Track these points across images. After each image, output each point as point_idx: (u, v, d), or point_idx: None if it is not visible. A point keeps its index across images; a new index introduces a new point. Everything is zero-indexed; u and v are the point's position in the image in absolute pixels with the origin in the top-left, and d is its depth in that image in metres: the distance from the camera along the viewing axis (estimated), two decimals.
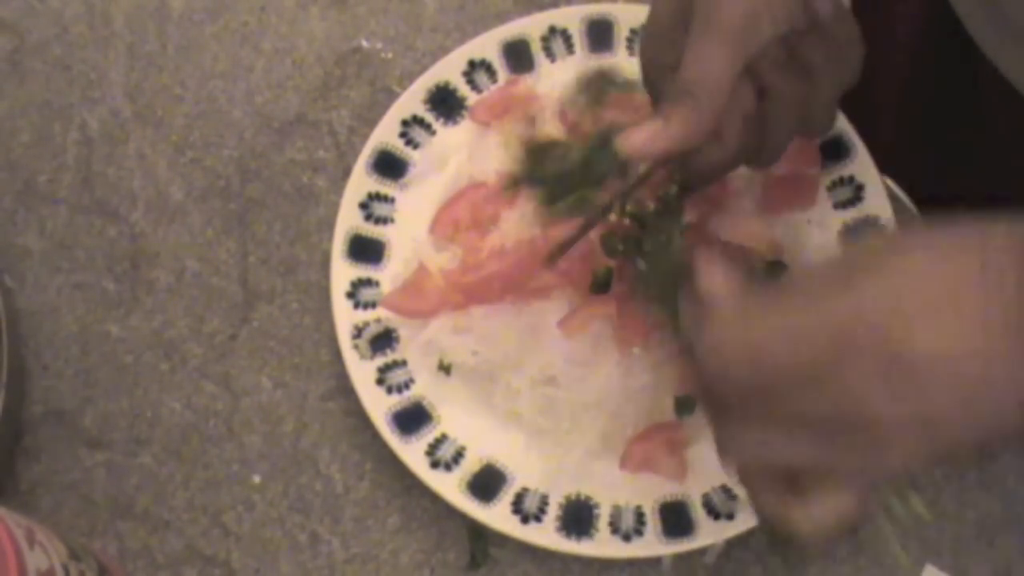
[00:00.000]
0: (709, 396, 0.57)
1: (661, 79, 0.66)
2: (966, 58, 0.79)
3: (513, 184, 0.69)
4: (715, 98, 0.62)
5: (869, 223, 0.77)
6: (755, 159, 0.69)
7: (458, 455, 0.74)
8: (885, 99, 0.89)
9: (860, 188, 0.78)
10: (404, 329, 0.76)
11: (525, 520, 0.72)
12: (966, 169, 0.86)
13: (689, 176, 0.68)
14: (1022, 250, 0.49)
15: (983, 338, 0.50)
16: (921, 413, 0.51)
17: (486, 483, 0.73)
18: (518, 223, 0.76)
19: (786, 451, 0.54)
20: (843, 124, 0.78)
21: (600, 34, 0.82)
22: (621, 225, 0.70)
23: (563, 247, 0.71)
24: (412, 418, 0.74)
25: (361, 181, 0.79)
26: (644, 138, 0.63)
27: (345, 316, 0.76)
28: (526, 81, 0.82)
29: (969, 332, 0.50)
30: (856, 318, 0.51)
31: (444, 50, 0.84)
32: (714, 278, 0.57)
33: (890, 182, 0.79)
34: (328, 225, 0.80)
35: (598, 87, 0.68)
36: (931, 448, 0.52)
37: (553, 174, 0.68)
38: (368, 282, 0.77)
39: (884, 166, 0.79)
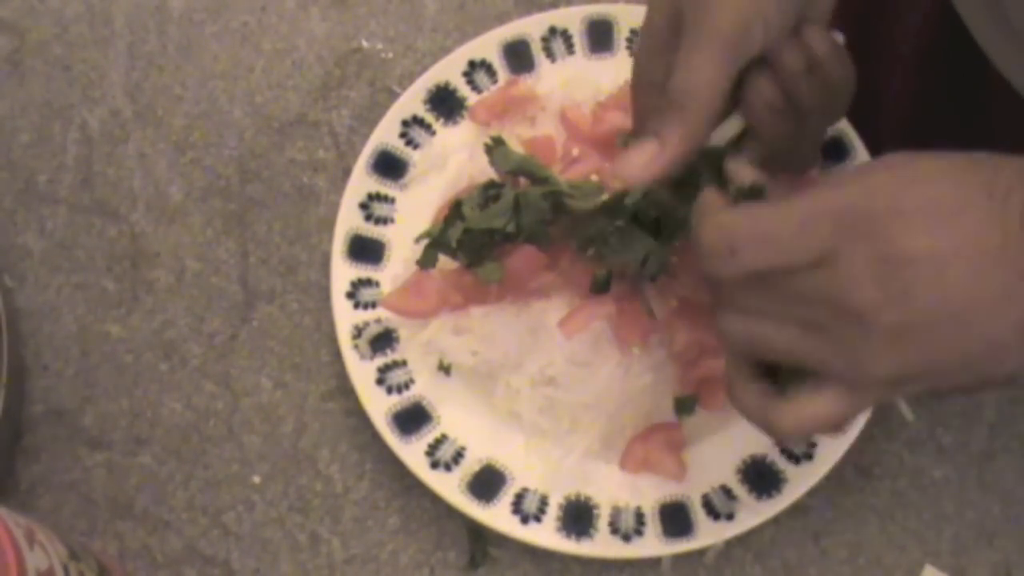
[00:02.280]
0: (711, 280, 0.58)
1: (649, 96, 0.65)
2: (973, 64, 0.79)
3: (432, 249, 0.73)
4: (708, 108, 0.61)
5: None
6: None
7: (458, 455, 0.74)
8: (891, 104, 0.89)
9: None
10: (404, 329, 0.76)
11: (525, 520, 0.72)
12: None
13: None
14: None
15: (977, 251, 0.51)
16: (908, 317, 0.52)
17: (486, 483, 0.73)
18: None
19: (778, 337, 0.55)
20: (842, 123, 0.78)
21: (600, 35, 0.82)
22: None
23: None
24: (412, 418, 0.74)
25: (361, 181, 0.79)
26: (643, 162, 0.62)
27: (345, 316, 0.76)
28: (526, 81, 0.82)
29: (964, 242, 0.51)
30: (857, 207, 0.52)
31: (444, 50, 0.84)
32: (739, 168, 0.60)
33: None
34: (328, 225, 0.80)
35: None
36: (921, 366, 0.53)
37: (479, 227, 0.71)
38: (368, 282, 0.78)
39: None
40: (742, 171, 0.60)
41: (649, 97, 0.66)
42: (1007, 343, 0.52)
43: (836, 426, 0.57)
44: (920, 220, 0.51)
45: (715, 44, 0.61)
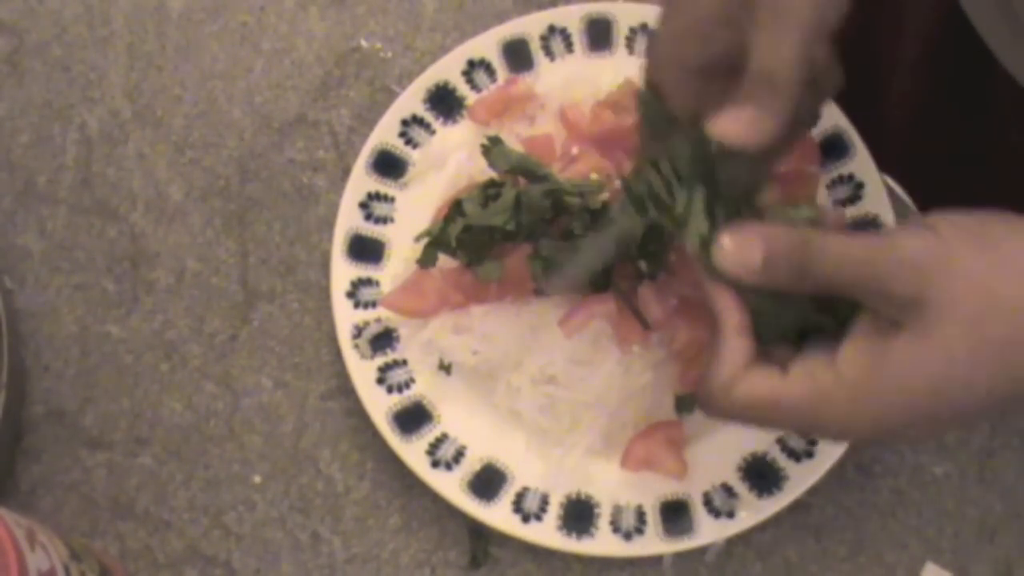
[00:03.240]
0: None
1: (675, 80, 0.64)
2: (977, 62, 0.79)
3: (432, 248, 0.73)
4: (792, 84, 0.59)
5: (868, 221, 0.77)
6: None
7: (458, 455, 0.74)
8: (896, 101, 0.89)
9: (860, 186, 0.78)
10: (404, 329, 0.76)
11: (526, 519, 0.72)
12: (976, 173, 0.86)
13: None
14: None
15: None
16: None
17: (487, 482, 0.73)
18: None
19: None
20: (843, 122, 0.78)
21: (599, 33, 0.82)
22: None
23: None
24: (412, 418, 0.74)
25: (361, 181, 0.79)
26: (740, 126, 0.59)
27: (345, 316, 0.76)
28: (525, 80, 0.82)
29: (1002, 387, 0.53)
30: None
31: (444, 50, 0.84)
32: (735, 251, 0.57)
33: (890, 180, 0.79)
34: (328, 225, 0.80)
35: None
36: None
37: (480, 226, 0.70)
38: (368, 282, 0.78)
39: (890, 167, 0.78)
40: (736, 247, 0.59)
41: (681, 80, 0.64)
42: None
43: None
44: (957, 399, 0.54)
45: (797, 23, 0.59)
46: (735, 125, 0.59)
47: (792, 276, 0.55)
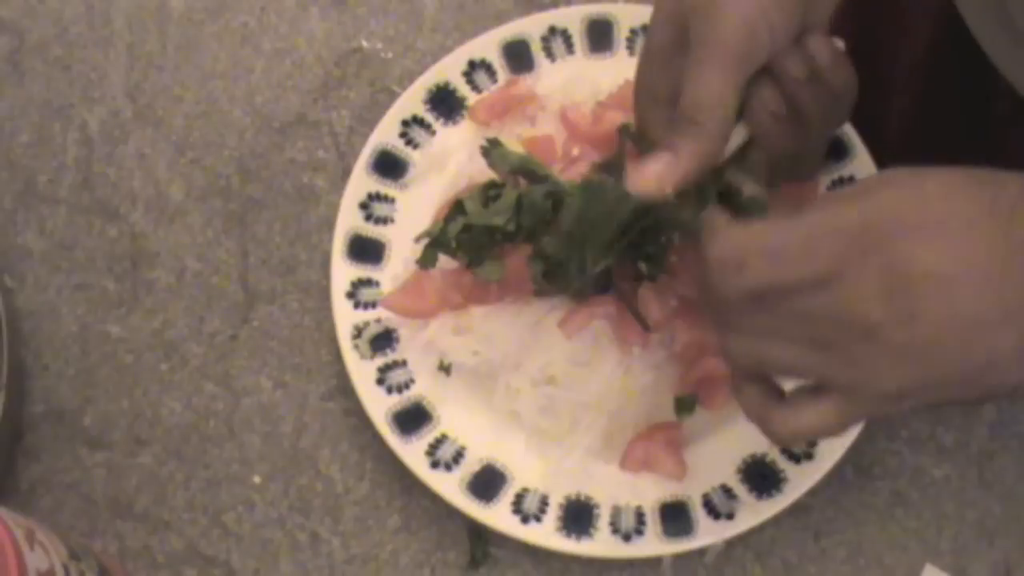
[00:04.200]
0: (714, 299, 0.58)
1: (652, 110, 0.66)
2: (976, 68, 0.79)
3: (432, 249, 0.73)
4: (720, 122, 0.61)
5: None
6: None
7: (458, 455, 0.74)
8: (895, 109, 0.89)
9: None
10: (404, 329, 0.76)
11: (525, 520, 0.72)
12: None
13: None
14: None
15: (983, 270, 0.51)
16: (915, 335, 0.52)
17: (486, 483, 0.73)
18: None
19: (784, 355, 0.56)
20: (844, 126, 0.78)
21: (600, 34, 0.82)
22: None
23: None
24: (412, 418, 0.74)
25: (361, 181, 0.79)
26: (656, 172, 0.62)
27: (345, 316, 0.76)
28: (526, 81, 0.82)
29: (970, 260, 0.51)
30: (864, 225, 0.53)
31: (444, 50, 0.84)
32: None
33: None
34: (328, 225, 0.80)
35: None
36: (925, 382, 0.54)
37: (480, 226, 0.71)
38: (368, 282, 0.78)
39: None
40: (743, 185, 0.60)
41: (653, 110, 0.66)
42: (1009, 359, 0.53)
43: (833, 433, 0.58)
44: (927, 239, 0.52)
45: (723, 57, 0.60)
46: (648, 175, 0.62)
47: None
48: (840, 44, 0.64)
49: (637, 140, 0.69)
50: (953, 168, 0.54)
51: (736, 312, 0.57)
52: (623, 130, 0.71)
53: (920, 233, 0.52)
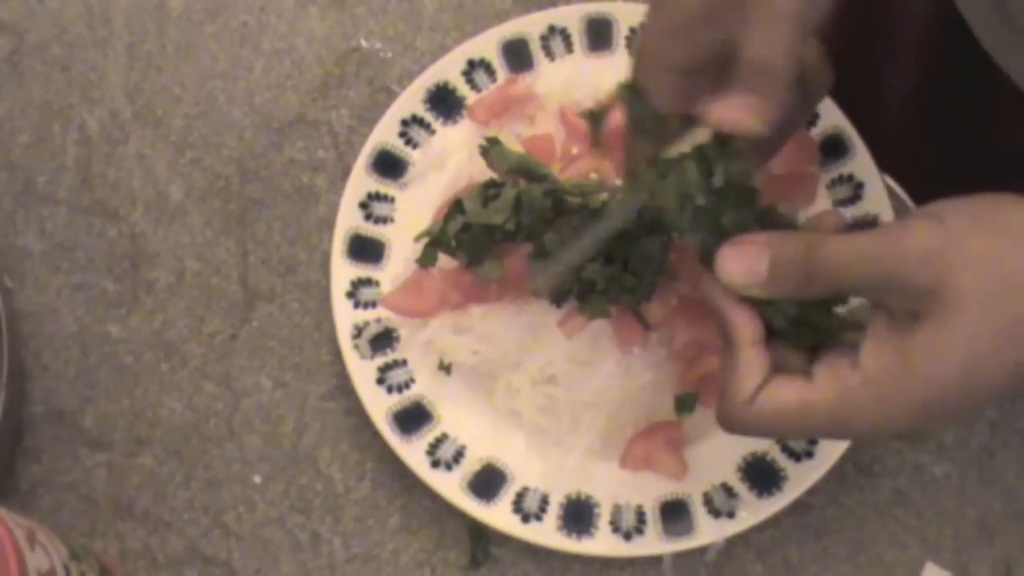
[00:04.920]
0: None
1: (663, 81, 0.63)
2: (974, 62, 0.79)
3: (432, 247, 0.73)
4: (786, 79, 0.59)
5: (868, 221, 0.77)
6: None
7: (458, 455, 0.74)
8: (895, 102, 0.89)
9: (860, 186, 0.78)
10: (404, 329, 0.76)
11: (526, 519, 0.72)
12: (976, 173, 0.86)
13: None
14: None
15: None
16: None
17: (486, 482, 0.73)
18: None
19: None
20: (842, 122, 0.78)
21: (599, 33, 0.82)
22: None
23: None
24: (412, 418, 0.74)
25: (361, 181, 0.79)
26: (742, 113, 0.59)
27: (345, 316, 0.76)
28: (525, 80, 0.82)
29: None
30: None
31: (443, 50, 0.84)
32: (736, 272, 0.57)
33: (890, 180, 0.79)
34: (328, 225, 0.80)
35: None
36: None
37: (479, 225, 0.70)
38: (368, 282, 0.78)
39: (890, 167, 0.78)
40: (733, 268, 0.59)
41: (665, 78, 0.63)
42: None
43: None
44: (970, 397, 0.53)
45: (787, 19, 0.59)
46: (736, 112, 0.59)
47: (800, 283, 0.55)
48: (817, 45, 0.64)
49: (634, 118, 0.67)
50: (998, 227, 0.54)
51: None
52: (628, 89, 0.69)
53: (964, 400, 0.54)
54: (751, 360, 0.56)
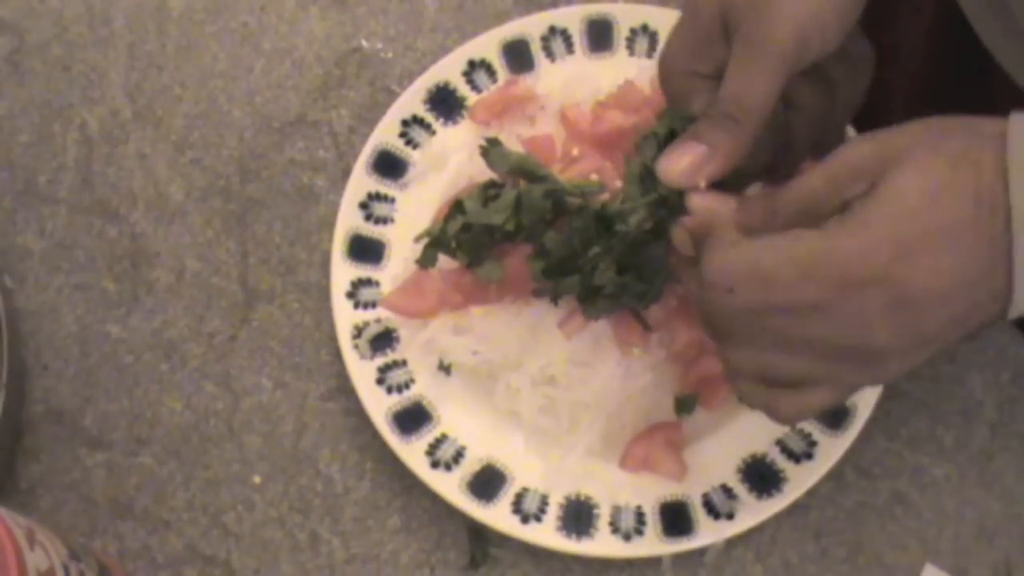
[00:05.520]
0: (712, 317, 0.59)
1: (688, 85, 0.64)
2: (977, 64, 0.79)
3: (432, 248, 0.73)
4: (760, 121, 0.61)
5: None
6: (775, 172, 0.69)
7: (458, 455, 0.74)
8: (895, 101, 0.89)
9: None
10: (404, 329, 0.76)
11: (525, 520, 0.72)
12: None
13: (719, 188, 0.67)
14: (1012, 170, 0.52)
15: (976, 268, 0.53)
16: (918, 337, 0.55)
17: (486, 483, 0.73)
18: None
19: (787, 368, 0.57)
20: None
21: (600, 34, 0.82)
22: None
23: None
24: (412, 418, 0.74)
25: (361, 181, 0.79)
26: (688, 167, 0.61)
27: (345, 316, 0.76)
28: (526, 81, 0.82)
29: (964, 265, 0.53)
30: (861, 257, 0.53)
31: (444, 50, 0.84)
32: (706, 201, 0.60)
33: None
34: (328, 225, 0.80)
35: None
36: (923, 359, 0.56)
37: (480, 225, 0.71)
38: (368, 282, 0.78)
39: None
40: (703, 197, 0.60)
41: (683, 85, 0.65)
42: (996, 316, 0.56)
43: (838, 406, 0.62)
44: (923, 259, 0.53)
45: (772, 59, 0.60)
46: (680, 166, 0.61)
47: (765, 215, 0.58)
48: None
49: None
50: (926, 148, 0.55)
51: (733, 328, 0.58)
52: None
53: (915, 256, 0.53)
54: (722, 227, 0.59)
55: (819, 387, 0.58)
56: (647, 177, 0.65)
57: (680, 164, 0.61)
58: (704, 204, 0.60)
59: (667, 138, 0.65)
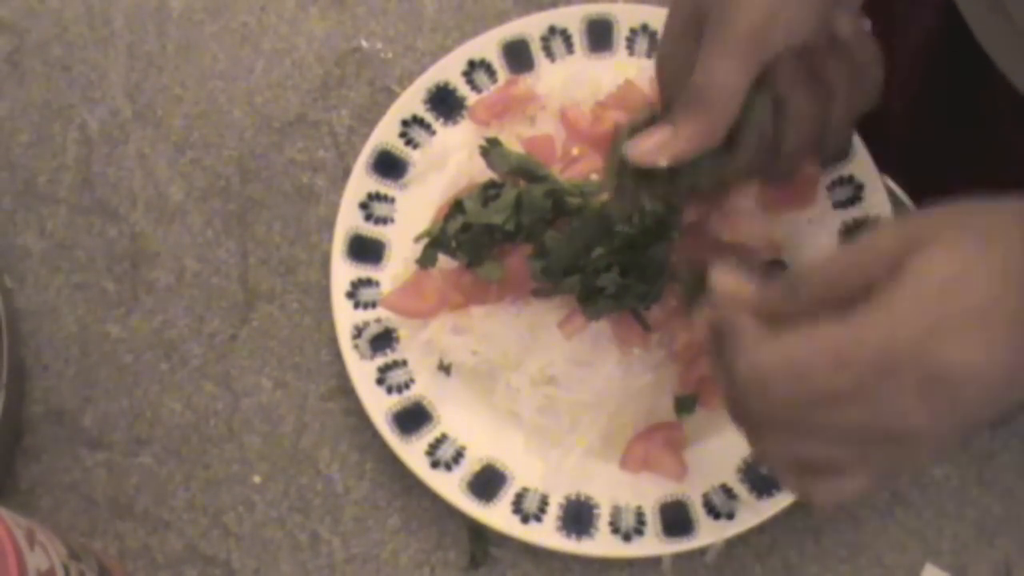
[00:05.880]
0: (744, 412, 0.58)
1: (675, 82, 0.65)
2: (976, 64, 0.79)
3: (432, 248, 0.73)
4: (726, 106, 0.62)
5: (869, 223, 0.77)
6: (768, 173, 0.69)
7: (458, 455, 0.74)
8: (896, 103, 0.89)
9: (860, 188, 0.78)
10: (404, 329, 0.76)
11: (525, 520, 0.72)
12: (976, 175, 0.86)
13: (697, 184, 0.68)
14: None
15: (1012, 345, 0.52)
16: (954, 417, 0.53)
17: (486, 483, 0.73)
18: None
19: (822, 455, 0.56)
20: None
21: (600, 34, 0.82)
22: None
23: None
24: (412, 418, 0.74)
25: (361, 181, 0.79)
26: (653, 145, 0.63)
27: (345, 316, 0.76)
28: (526, 81, 0.82)
29: (998, 341, 0.52)
30: (891, 342, 0.52)
31: (444, 50, 0.84)
32: (727, 282, 0.58)
33: (890, 182, 0.79)
34: (328, 225, 0.80)
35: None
36: (958, 440, 0.56)
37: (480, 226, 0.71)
38: (368, 282, 0.78)
39: (890, 168, 0.78)
40: (725, 279, 0.59)
41: (672, 83, 0.66)
42: None
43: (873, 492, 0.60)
44: (955, 339, 0.52)
45: (736, 42, 0.61)
46: (645, 145, 0.63)
47: (786, 298, 0.56)
48: (865, 23, 0.64)
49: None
50: (954, 227, 0.54)
51: (765, 421, 0.57)
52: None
53: (947, 336, 0.52)
54: (745, 321, 0.56)
55: (857, 474, 0.56)
56: (623, 169, 0.66)
57: (646, 143, 0.63)
58: (725, 283, 0.58)
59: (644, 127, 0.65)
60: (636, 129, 0.66)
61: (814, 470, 0.57)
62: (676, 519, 0.72)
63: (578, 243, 0.69)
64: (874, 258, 0.54)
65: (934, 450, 0.55)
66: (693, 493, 0.73)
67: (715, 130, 0.62)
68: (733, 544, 0.73)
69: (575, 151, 0.77)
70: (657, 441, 0.73)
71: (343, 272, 0.77)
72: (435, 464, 0.73)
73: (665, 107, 0.67)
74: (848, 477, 0.56)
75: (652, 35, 0.82)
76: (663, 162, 0.63)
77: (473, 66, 0.82)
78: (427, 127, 0.81)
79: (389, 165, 0.80)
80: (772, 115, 0.65)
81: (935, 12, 0.84)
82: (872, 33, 0.66)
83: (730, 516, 0.72)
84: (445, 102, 0.82)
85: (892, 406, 0.53)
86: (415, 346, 0.76)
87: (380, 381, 0.75)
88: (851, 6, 0.64)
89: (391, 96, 0.83)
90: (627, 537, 0.72)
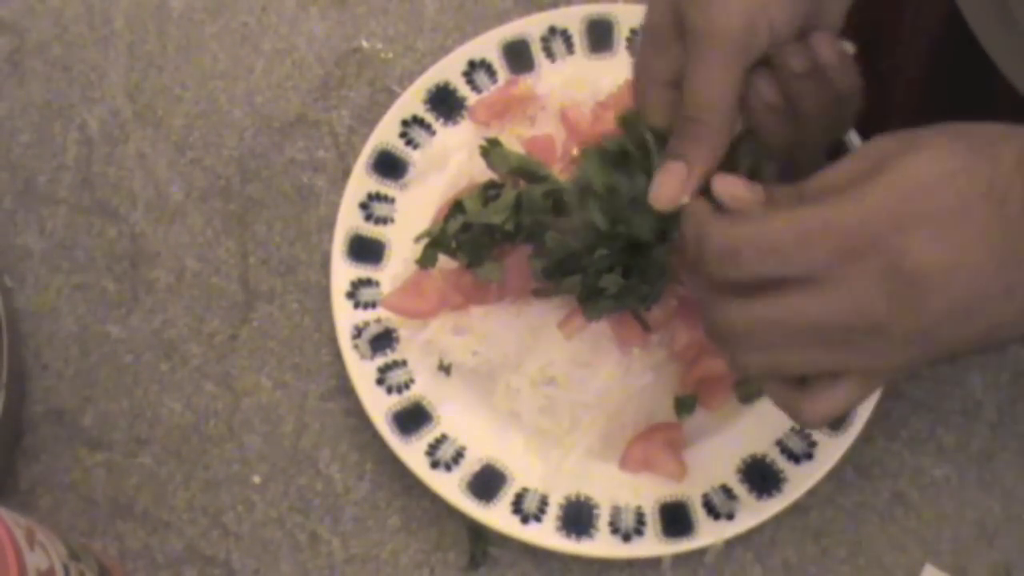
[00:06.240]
0: (715, 315, 0.58)
1: (654, 96, 0.65)
2: (978, 67, 0.79)
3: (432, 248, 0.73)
4: (725, 120, 0.61)
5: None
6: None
7: (458, 455, 0.74)
8: (896, 105, 0.89)
9: None
10: (404, 329, 0.76)
11: (525, 520, 0.72)
12: None
13: None
14: None
15: (982, 255, 0.53)
16: (922, 322, 0.54)
17: (486, 483, 0.73)
18: None
19: (797, 362, 0.57)
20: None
21: (600, 34, 0.82)
22: None
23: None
24: (412, 418, 0.74)
25: (361, 181, 0.79)
26: (675, 186, 0.62)
27: (345, 316, 0.76)
28: (526, 81, 0.82)
29: (968, 248, 0.53)
30: (861, 224, 0.53)
31: (444, 50, 0.84)
32: (729, 184, 0.59)
33: None
34: (328, 225, 0.80)
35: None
36: (933, 352, 0.56)
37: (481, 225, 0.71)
38: (368, 282, 0.78)
39: None
40: (732, 186, 0.59)
41: (652, 91, 0.65)
42: (1013, 322, 0.55)
43: (858, 405, 0.61)
44: (924, 234, 0.52)
45: (723, 52, 0.60)
46: (667, 188, 0.62)
47: (792, 201, 0.57)
48: (848, 47, 0.63)
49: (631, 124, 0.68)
50: (948, 135, 0.55)
51: (737, 326, 0.57)
52: (624, 120, 0.70)
53: (917, 229, 0.52)
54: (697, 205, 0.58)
55: (838, 383, 0.57)
56: (585, 196, 0.65)
57: (667, 191, 0.62)
58: (731, 192, 0.59)
59: (618, 156, 0.65)
60: (608, 160, 0.65)
61: (797, 382, 0.58)
62: (676, 519, 0.72)
63: (578, 243, 0.69)
64: (871, 161, 0.55)
65: (904, 353, 0.55)
66: (693, 493, 0.73)
67: (722, 143, 0.62)
68: (733, 544, 0.73)
69: (575, 151, 0.77)
70: (657, 441, 0.73)
71: (343, 272, 0.77)
72: (435, 464, 0.73)
73: (638, 114, 0.66)
74: (831, 387, 0.57)
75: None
76: (687, 199, 0.62)
77: (473, 66, 0.82)
78: (427, 127, 0.81)
79: (389, 165, 0.80)
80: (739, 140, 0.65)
81: (938, 16, 0.84)
82: (866, 48, 0.65)
83: (730, 516, 0.72)
84: (445, 102, 0.82)
85: (855, 294, 0.53)
86: (415, 346, 0.76)
87: (380, 381, 0.75)
88: (833, 23, 0.63)
89: (391, 96, 0.83)
90: (627, 537, 0.72)
